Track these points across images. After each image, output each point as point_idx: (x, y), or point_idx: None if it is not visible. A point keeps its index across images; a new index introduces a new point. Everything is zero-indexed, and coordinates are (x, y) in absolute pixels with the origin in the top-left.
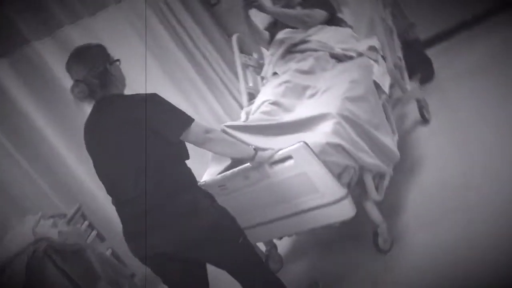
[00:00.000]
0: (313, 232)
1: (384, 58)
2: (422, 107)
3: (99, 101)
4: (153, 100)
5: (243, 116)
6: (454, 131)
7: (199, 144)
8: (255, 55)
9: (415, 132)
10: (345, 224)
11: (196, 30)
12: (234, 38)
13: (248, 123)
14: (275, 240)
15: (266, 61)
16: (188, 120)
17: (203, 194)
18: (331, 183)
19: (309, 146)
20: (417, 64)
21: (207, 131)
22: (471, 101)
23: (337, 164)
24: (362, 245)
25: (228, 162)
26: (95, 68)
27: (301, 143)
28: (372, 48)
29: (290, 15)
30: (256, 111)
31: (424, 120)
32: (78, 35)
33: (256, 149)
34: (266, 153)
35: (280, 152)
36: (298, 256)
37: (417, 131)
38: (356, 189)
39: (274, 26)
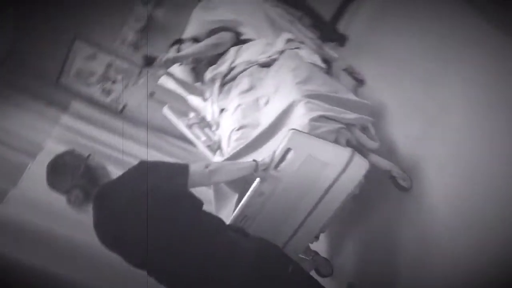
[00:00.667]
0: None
1: (302, 43)
2: (351, 72)
3: (98, 197)
4: (143, 169)
5: (218, 157)
6: None
7: (206, 181)
8: (191, 114)
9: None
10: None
11: None
12: (166, 110)
13: (229, 154)
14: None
15: (208, 104)
16: (185, 167)
17: (234, 230)
18: (334, 149)
19: (299, 130)
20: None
21: (206, 166)
22: None
23: (329, 132)
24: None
25: (234, 198)
26: (76, 172)
27: (291, 130)
28: (289, 40)
29: (202, 47)
30: (229, 143)
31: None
32: None
33: (255, 160)
34: (266, 159)
35: (277, 151)
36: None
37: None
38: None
39: (196, 72)
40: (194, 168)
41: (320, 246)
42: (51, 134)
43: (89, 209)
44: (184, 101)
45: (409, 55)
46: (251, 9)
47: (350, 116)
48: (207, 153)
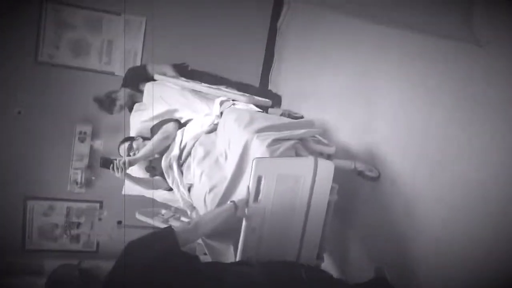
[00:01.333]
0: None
1: (235, 100)
2: (289, 114)
3: None
4: (133, 249)
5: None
6: None
7: (194, 236)
8: (163, 210)
9: None
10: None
11: None
12: (138, 216)
13: None
14: None
15: (175, 191)
16: (170, 231)
17: (239, 264)
18: (299, 162)
19: (261, 157)
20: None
21: (188, 223)
22: None
23: (287, 149)
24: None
25: (230, 251)
26: (74, 281)
27: (255, 159)
28: (222, 102)
29: (154, 144)
30: (207, 208)
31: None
32: None
33: (232, 201)
34: (241, 198)
35: (250, 184)
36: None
37: None
38: None
39: (150, 168)
40: (178, 229)
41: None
42: None
43: None
44: (150, 202)
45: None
46: (178, 95)
47: (300, 131)
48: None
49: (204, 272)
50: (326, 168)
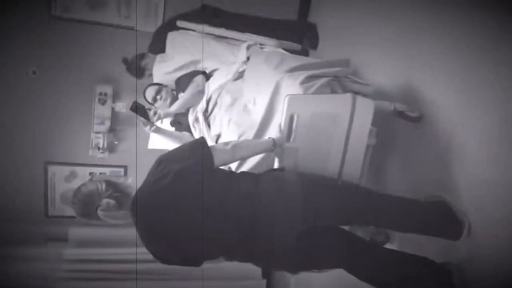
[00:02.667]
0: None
1: (262, 45)
2: None
3: (136, 204)
4: (164, 160)
5: None
6: None
7: (230, 158)
8: None
9: None
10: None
11: None
12: None
13: None
14: None
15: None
16: (206, 146)
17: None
18: (335, 99)
19: (294, 94)
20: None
21: (225, 143)
22: None
23: (322, 86)
24: None
25: None
26: (100, 191)
27: (287, 96)
28: (249, 47)
29: (189, 98)
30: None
31: None
32: None
33: (271, 137)
34: (279, 135)
35: (282, 123)
36: None
37: None
38: None
39: (179, 121)
40: (215, 146)
41: None
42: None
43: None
44: None
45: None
46: (201, 45)
47: (334, 69)
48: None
49: (240, 178)
50: (366, 106)
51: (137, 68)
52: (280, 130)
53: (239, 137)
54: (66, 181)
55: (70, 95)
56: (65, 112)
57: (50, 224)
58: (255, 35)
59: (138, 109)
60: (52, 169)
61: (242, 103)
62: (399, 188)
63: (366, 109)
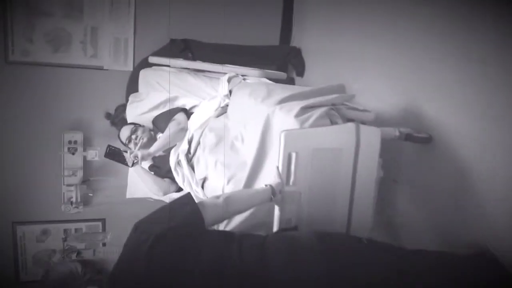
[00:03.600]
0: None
1: (245, 75)
2: None
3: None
4: (142, 224)
5: None
6: None
7: (223, 214)
8: None
9: None
10: None
11: None
12: None
13: None
14: None
15: (186, 189)
16: (195, 207)
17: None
18: (337, 130)
19: (290, 129)
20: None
21: (217, 196)
22: None
23: (320, 117)
24: None
25: None
26: (83, 278)
27: (283, 132)
28: (230, 79)
29: (168, 138)
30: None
31: None
32: None
33: (267, 185)
34: (275, 178)
35: (280, 164)
36: None
37: None
38: None
39: (158, 165)
40: (204, 202)
41: None
42: None
43: None
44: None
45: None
46: (176, 80)
47: (330, 97)
48: None
49: (244, 241)
50: (371, 136)
51: (122, 121)
52: (278, 174)
53: (228, 181)
54: (38, 240)
55: (35, 146)
56: (31, 166)
57: None
58: (235, 66)
59: (113, 153)
60: (21, 229)
61: (228, 141)
62: (415, 228)
63: (372, 138)
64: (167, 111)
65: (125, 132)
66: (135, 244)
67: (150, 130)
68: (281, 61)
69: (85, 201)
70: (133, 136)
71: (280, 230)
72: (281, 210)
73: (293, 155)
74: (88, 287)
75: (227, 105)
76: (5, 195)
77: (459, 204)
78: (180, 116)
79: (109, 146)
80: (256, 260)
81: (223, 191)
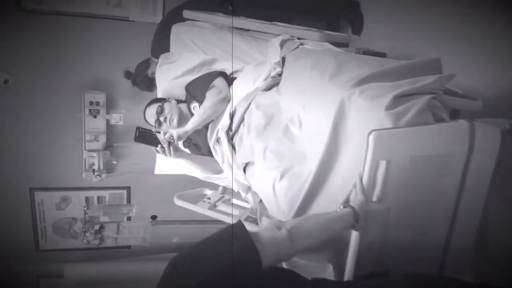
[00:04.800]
0: None
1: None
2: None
3: None
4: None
5: None
6: None
7: (287, 255)
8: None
9: None
10: None
11: None
12: (178, 201)
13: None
14: None
15: (226, 172)
16: (251, 245)
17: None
18: (443, 131)
19: (381, 129)
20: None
21: (277, 228)
22: None
23: (421, 111)
24: None
25: None
26: None
27: (372, 133)
28: (283, 43)
29: (208, 111)
30: (278, 203)
31: None
32: None
33: (347, 206)
34: (358, 195)
35: (364, 175)
36: None
37: None
38: None
39: (196, 143)
40: (261, 236)
41: None
42: None
43: None
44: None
45: None
46: (215, 38)
47: (428, 80)
48: (251, 228)
49: None
50: (490, 137)
51: (145, 81)
52: (362, 189)
53: (281, 176)
54: (58, 208)
55: (53, 107)
56: (49, 129)
57: (41, 260)
58: (287, 25)
59: (144, 136)
60: (39, 196)
61: (281, 123)
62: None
63: (489, 141)
64: (203, 75)
65: (151, 114)
66: None
67: (177, 103)
68: (333, 16)
69: (108, 169)
70: (161, 118)
71: (366, 275)
72: (362, 232)
73: (383, 163)
74: None
75: (279, 75)
76: (21, 160)
77: None
78: (220, 83)
79: (138, 128)
80: None
81: (273, 189)
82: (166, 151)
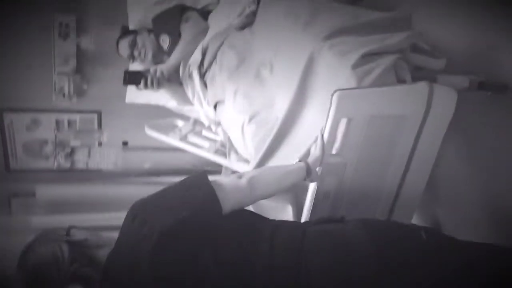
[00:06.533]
0: None
1: None
2: None
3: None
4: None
5: (240, 164)
6: None
7: (247, 199)
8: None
9: None
10: None
11: None
12: (148, 130)
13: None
14: None
15: (196, 106)
16: (211, 192)
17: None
18: (404, 92)
19: (345, 89)
20: None
21: (238, 178)
22: None
23: (386, 71)
24: None
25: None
26: (61, 265)
27: (336, 93)
28: None
29: (189, 43)
30: (245, 143)
31: None
32: None
33: (302, 161)
34: (315, 150)
35: (325, 131)
36: None
37: None
38: None
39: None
40: (222, 184)
41: None
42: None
43: None
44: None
45: None
46: None
47: (397, 38)
48: (220, 161)
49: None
50: (446, 100)
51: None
52: (322, 146)
53: (250, 119)
54: (28, 129)
55: (22, 26)
56: (17, 49)
57: (12, 179)
58: None
59: (134, 78)
60: (9, 117)
61: (253, 66)
62: (471, 197)
63: (445, 103)
64: (172, 7)
65: (124, 46)
66: (134, 240)
67: (148, 34)
68: None
69: (79, 93)
70: (136, 53)
71: (322, 220)
72: (319, 182)
73: (343, 122)
74: (72, 285)
75: (254, 14)
76: None
77: None
78: (194, 15)
79: (126, 72)
80: (293, 265)
81: (242, 130)
82: (155, 85)
